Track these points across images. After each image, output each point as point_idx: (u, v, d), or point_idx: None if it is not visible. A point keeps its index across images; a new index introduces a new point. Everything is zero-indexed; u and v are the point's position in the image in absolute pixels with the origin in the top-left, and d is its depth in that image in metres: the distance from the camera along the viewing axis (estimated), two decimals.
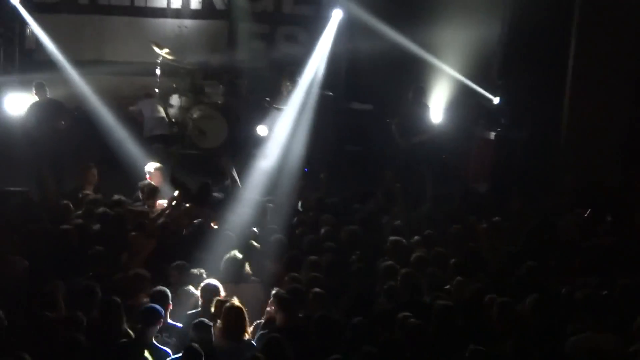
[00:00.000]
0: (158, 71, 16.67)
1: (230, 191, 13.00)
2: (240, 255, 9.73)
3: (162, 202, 12.28)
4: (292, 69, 16.06)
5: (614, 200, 13.21)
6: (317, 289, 8.77)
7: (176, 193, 12.04)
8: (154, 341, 7.94)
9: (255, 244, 10.57)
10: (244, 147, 15.61)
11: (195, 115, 16.40)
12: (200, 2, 17.98)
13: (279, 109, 15.53)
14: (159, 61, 16.64)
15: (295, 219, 11.82)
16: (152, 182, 12.71)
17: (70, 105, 14.89)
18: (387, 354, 7.47)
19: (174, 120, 16.57)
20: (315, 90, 15.70)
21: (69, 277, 9.04)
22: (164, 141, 15.84)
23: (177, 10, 17.89)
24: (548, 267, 10.08)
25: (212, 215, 11.56)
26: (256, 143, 15.66)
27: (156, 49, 16.56)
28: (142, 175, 13.06)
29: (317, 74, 16.05)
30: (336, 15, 16.98)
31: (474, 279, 9.45)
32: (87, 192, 12.33)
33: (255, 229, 11.09)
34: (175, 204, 11.76)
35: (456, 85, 16.32)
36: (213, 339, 7.87)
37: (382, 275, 9.54)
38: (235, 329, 8.05)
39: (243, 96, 16.99)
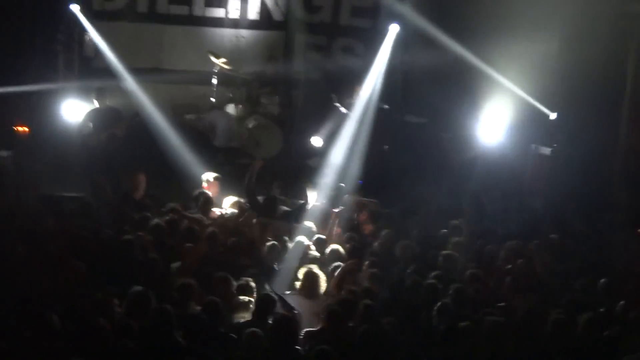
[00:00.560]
0: (214, 80, 16.79)
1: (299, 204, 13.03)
2: (317, 272, 9.74)
3: (217, 211, 12.32)
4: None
5: None
6: (367, 301, 8.74)
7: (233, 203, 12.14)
8: (204, 350, 7.94)
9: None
10: (298, 158, 15.61)
11: (250, 125, 16.49)
12: (258, 13, 18.01)
13: (343, 110, 15.43)
14: (215, 70, 16.76)
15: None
16: (209, 192, 12.76)
17: (127, 113, 14.99)
18: None
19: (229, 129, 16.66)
20: (373, 103, 15.63)
21: (124, 284, 9.06)
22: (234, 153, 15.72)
23: (234, 20, 17.94)
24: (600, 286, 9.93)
25: (282, 227, 11.57)
26: (310, 154, 15.68)
27: (213, 59, 16.67)
28: (197, 184, 13.12)
29: (375, 86, 16.00)
30: (393, 29, 16.95)
31: (528, 296, 9.34)
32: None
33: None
34: (237, 214, 11.83)
35: (513, 100, 16.14)
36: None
37: (433, 291, 9.47)
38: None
39: (298, 107, 17.00)
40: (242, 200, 12.67)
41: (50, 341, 7.50)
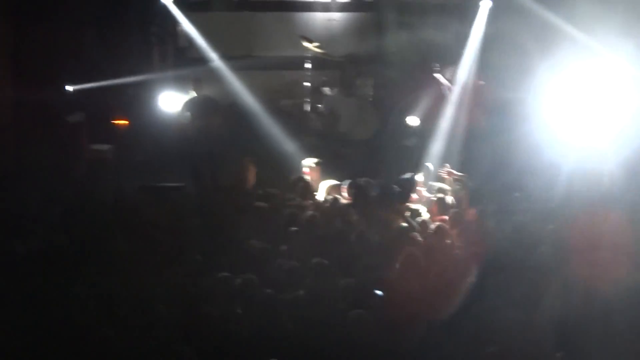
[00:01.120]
0: (308, 65, 16.74)
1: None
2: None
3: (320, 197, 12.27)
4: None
5: None
6: None
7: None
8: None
9: None
10: (395, 139, 15.45)
11: (346, 107, 16.43)
12: None
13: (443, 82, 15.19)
14: (308, 55, 16.71)
15: None
16: (310, 178, 12.71)
17: (223, 102, 15.04)
18: None
19: (325, 113, 16.62)
20: (471, 79, 15.31)
21: (228, 271, 9.05)
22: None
23: (325, 3, 17.90)
24: None
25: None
26: (407, 134, 15.51)
27: (305, 43, 16.62)
28: (296, 170, 13.08)
29: (471, 63, 15.70)
30: (485, 4, 16.63)
31: None
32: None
33: None
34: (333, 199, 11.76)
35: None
36: None
37: None
38: None
39: (393, 87, 16.83)
40: (339, 184, 12.55)
41: (157, 330, 7.52)
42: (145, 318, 7.67)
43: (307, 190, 12.15)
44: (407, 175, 12.75)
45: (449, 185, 12.81)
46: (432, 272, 8.98)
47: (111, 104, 15.68)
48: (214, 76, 15.98)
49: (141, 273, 8.84)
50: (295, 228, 10.39)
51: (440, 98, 14.87)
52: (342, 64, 16.97)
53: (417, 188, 12.63)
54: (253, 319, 7.88)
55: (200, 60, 16.38)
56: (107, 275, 8.69)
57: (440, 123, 14.88)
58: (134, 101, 15.86)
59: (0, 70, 13.62)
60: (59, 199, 11.43)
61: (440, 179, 13.05)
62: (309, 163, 13.09)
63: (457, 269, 9.06)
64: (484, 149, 14.48)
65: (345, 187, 12.28)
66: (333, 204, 11.66)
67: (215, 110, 13.98)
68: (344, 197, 12.10)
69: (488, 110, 14.85)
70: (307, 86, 16.88)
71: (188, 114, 14.00)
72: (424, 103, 15.42)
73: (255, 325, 7.78)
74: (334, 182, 12.55)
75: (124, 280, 8.59)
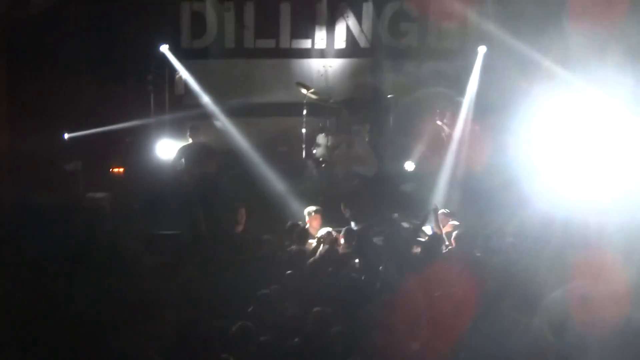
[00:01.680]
0: (304, 111, 16.78)
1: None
2: None
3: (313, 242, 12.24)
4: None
5: None
6: None
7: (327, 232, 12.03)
8: None
9: None
10: (392, 183, 15.43)
11: (342, 155, 16.44)
12: (344, 41, 18.03)
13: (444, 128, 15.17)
14: (304, 101, 16.76)
15: None
16: (310, 225, 12.69)
17: (219, 148, 15.04)
18: None
19: (321, 159, 16.63)
20: (469, 123, 15.35)
21: (225, 318, 9.00)
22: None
23: (321, 50, 17.99)
24: None
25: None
26: (404, 179, 15.51)
27: (302, 90, 16.68)
28: (292, 216, 13.04)
29: (469, 107, 15.75)
30: (481, 50, 16.75)
31: None
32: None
33: None
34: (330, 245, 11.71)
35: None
36: None
37: None
38: None
39: (389, 132, 16.86)
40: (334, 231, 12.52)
41: None
42: None
43: (303, 236, 12.10)
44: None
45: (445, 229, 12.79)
46: (427, 316, 8.94)
47: (108, 151, 15.70)
48: (210, 123, 16.01)
49: (137, 321, 8.77)
50: (290, 272, 10.37)
51: (436, 142, 14.89)
52: (338, 110, 16.99)
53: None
54: None
55: (197, 107, 16.42)
56: (103, 322, 8.64)
57: (437, 167, 14.88)
58: (131, 149, 15.87)
59: None
60: (55, 246, 11.37)
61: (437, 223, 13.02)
62: (309, 210, 13.04)
63: (453, 313, 9.03)
64: (479, 192, 14.49)
65: (342, 234, 12.28)
66: (329, 252, 11.61)
67: (211, 157, 13.96)
68: (341, 245, 12.07)
69: (484, 154, 14.85)
70: (303, 132, 16.90)
71: (183, 160, 13.98)
72: (420, 148, 15.45)
73: None
74: (329, 229, 12.50)
75: (119, 328, 8.54)
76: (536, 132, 15.45)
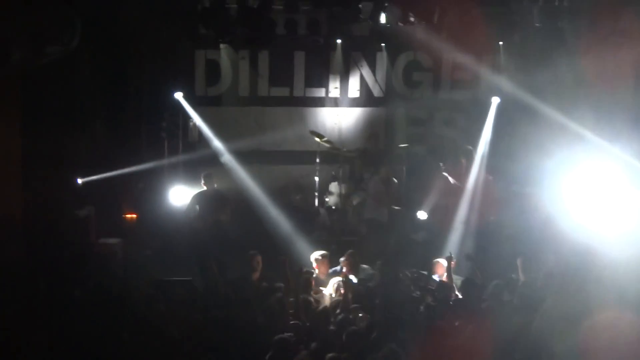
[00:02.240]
0: (317, 159, 16.82)
1: None
2: None
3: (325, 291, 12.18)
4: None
5: None
6: None
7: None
8: None
9: None
10: (404, 232, 15.39)
11: (355, 203, 16.43)
12: (358, 90, 18.14)
13: (451, 180, 15.09)
14: (318, 150, 16.81)
15: None
16: (320, 271, 12.65)
17: (232, 196, 15.04)
18: None
19: (333, 207, 16.63)
20: (482, 173, 15.28)
21: None
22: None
23: (335, 99, 18.09)
24: None
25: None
26: (416, 228, 15.47)
27: (315, 138, 16.73)
28: (305, 264, 12.99)
29: (483, 157, 15.72)
30: (494, 101, 16.80)
31: None
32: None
33: None
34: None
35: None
36: None
37: None
38: None
39: (402, 182, 16.84)
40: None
41: None
42: None
43: (309, 284, 12.02)
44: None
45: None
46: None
47: (120, 197, 15.73)
48: (223, 170, 16.03)
49: None
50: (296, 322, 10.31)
51: (447, 192, 14.85)
52: (350, 159, 17.03)
53: None
54: None
55: (210, 154, 16.46)
56: None
57: (449, 217, 14.83)
58: (143, 195, 15.90)
59: (9, 164, 13.65)
60: (67, 292, 11.35)
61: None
62: (316, 256, 13.01)
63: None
64: (491, 242, 14.43)
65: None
66: (340, 302, 11.53)
67: (224, 205, 13.95)
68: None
69: (497, 205, 14.81)
70: (316, 180, 16.92)
71: (197, 207, 13.97)
72: (433, 197, 15.40)
73: None
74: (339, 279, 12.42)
75: None
76: (549, 180, 15.45)
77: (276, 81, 17.94)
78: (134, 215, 15.54)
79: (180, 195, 15.51)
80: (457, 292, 12.08)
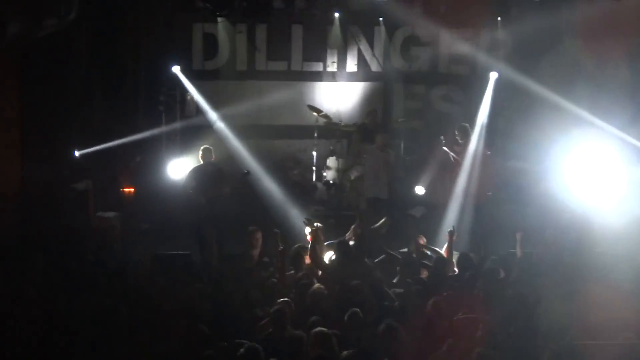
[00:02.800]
0: (315, 134, 16.82)
1: None
2: None
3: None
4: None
5: None
6: None
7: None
8: None
9: None
10: (401, 208, 15.39)
11: (352, 177, 16.45)
12: (355, 65, 18.11)
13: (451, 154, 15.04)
14: (316, 124, 16.81)
15: None
16: (311, 242, 12.62)
17: (230, 170, 15.00)
18: None
19: (331, 182, 16.64)
20: (480, 148, 15.24)
21: (231, 339, 8.96)
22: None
23: (333, 73, 18.05)
24: None
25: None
26: (413, 203, 15.49)
27: (313, 113, 16.72)
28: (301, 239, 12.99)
29: (481, 133, 15.66)
30: (492, 76, 16.77)
31: None
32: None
33: None
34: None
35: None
36: None
37: None
38: None
39: (400, 156, 16.86)
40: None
41: None
42: None
43: (301, 259, 11.95)
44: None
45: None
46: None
47: (118, 171, 15.73)
48: (221, 144, 15.99)
49: (146, 342, 8.76)
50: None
51: (446, 167, 14.82)
52: (347, 133, 17.04)
53: None
54: None
55: (207, 128, 16.44)
56: (112, 343, 8.63)
57: (447, 192, 14.82)
58: (141, 168, 15.90)
59: (7, 138, 13.66)
60: (64, 266, 11.37)
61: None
62: (308, 229, 12.96)
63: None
64: (489, 216, 14.45)
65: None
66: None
67: (222, 179, 13.92)
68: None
69: (494, 180, 14.81)
70: (314, 155, 16.94)
71: (194, 182, 13.96)
72: (431, 172, 15.38)
73: None
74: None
75: (128, 349, 8.53)
76: (546, 156, 15.47)
77: (274, 55, 17.91)
78: (132, 189, 15.55)
79: (178, 169, 15.49)
80: (455, 269, 12.09)
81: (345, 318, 9.20)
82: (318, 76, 18.10)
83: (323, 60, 18.02)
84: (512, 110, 17.30)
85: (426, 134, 17.31)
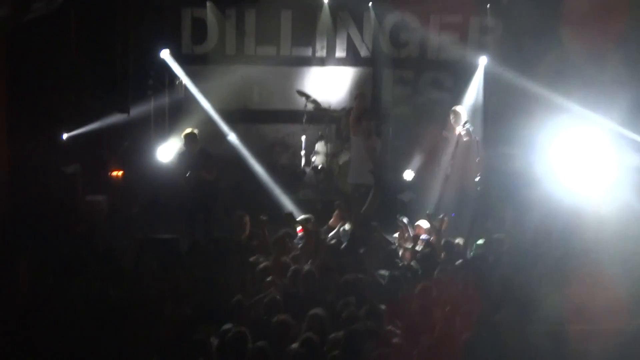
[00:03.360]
0: (304, 119, 16.84)
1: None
2: None
3: None
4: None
5: None
6: None
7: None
8: None
9: None
10: (389, 193, 15.43)
11: (341, 162, 16.48)
12: (344, 50, 18.10)
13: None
14: (304, 109, 16.82)
15: None
16: (304, 234, 12.67)
17: (218, 154, 15.00)
18: None
19: (319, 167, 16.67)
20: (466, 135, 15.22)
21: (218, 323, 8.99)
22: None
23: (321, 58, 18.05)
24: None
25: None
26: (402, 188, 15.53)
27: (301, 97, 16.73)
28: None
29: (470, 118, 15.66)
30: (482, 61, 16.80)
31: None
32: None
33: None
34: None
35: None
36: None
37: None
38: None
39: (388, 142, 16.88)
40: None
41: None
42: None
43: (285, 245, 11.96)
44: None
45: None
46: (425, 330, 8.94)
47: (107, 154, 15.71)
48: (209, 128, 15.98)
49: (132, 325, 8.79)
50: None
51: (435, 152, 14.86)
52: (336, 118, 17.05)
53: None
54: None
55: (196, 112, 16.43)
56: (100, 324, 8.66)
57: (436, 178, 14.86)
58: (130, 152, 15.88)
59: None
60: (52, 249, 11.39)
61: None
62: (301, 219, 12.98)
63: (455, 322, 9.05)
64: (477, 202, 14.49)
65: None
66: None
67: (210, 163, 13.93)
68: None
69: (483, 165, 14.85)
70: (302, 140, 16.95)
71: (183, 166, 13.97)
72: (419, 157, 15.40)
73: None
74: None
75: (114, 332, 8.55)
76: (535, 142, 15.51)
77: (263, 40, 17.87)
78: (120, 173, 15.53)
79: (167, 153, 15.47)
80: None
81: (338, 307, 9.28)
82: (307, 61, 18.07)
83: (312, 45, 17.99)
84: (500, 96, 17.30)
85: (415, 119, 17.34)
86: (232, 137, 16.28)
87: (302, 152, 17.11)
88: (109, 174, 15.46)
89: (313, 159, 16.91)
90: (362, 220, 13.05)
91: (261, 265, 10.81)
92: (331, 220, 13.38)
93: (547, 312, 9.21)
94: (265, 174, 15.61)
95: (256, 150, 16.17)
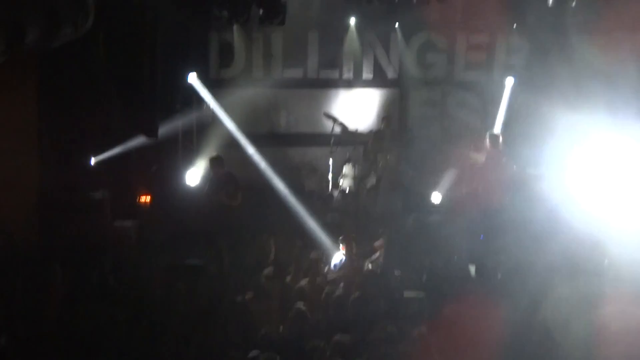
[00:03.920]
0: (331, 141, 16.83)
1: None
2: None
3: None
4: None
5: None
6: None
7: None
8: None
9: None
10: (417, 214, 15.39)
11: (368, 185, 16.45)
12: (371, 72, 18.11)
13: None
14: (331, 132, 16.81)
15: None
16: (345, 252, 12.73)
17: (246, 179, 15.01)
18: None
19: (347, 190, 16.65)
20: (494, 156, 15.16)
21: (247, 347, 8.98)
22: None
23: (348, 80, 18.05)
24: None
25: None
26: (429, 210, 15.48)
27: (329, 120, 16.74)
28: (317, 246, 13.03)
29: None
30: (509, 82, 16.75)
31: None
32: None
33: None
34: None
35: None
36: None
37: None
38: None
39: (416, 163, 16.85)
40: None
41: None
42: None
43: (317, 267, 12.02)
44: None
45: None
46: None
47: (135, 179, 15.75)
48: (237, 153, 16.01)
49: (162, 351, 8.82)
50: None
51: (464, 174, 14.81)
52: (363, 141, 17.04)
53: None
54: None
55: (224, 136, 16.45)
56: (127, 352, 8.68)
57: (462, 198, 14.80)
58: (157, 177, 15.92)
59: (26, 145, 13.70)
60: (83, 276, 11.43)
61: None
62: (340, 240, 13.06)
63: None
64: (502, 224, 14.41)
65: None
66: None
67: (235, 188, 13.95)
68: None
69: (509, 186, 14.76)
70: (330, 163, 16.94)
71: (209, 190, 14.00)
72: (448, 179, 15.37)
73: None
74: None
75: (146, 353, 8.59)
76: (563, 163, 15.41)
77: (289, 63, 17.91)
78: (148, 198, 15.57)
79: (194, 177, 15.52)
80: None
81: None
82: (334, 83, 18.09)
83: (339, 67, 18.00)
84: (528, 116, 17.23)
85: (442, 140, 17.30)
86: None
87: (330, 175, 17.10)
88: (137, 198, 15.50)
89: (340, 182, 16.89)
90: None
91: (296, 287, 10.88)
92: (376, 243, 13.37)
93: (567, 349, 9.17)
94: (292, 197, 15.58)
95: (283, 174, 16.15)
